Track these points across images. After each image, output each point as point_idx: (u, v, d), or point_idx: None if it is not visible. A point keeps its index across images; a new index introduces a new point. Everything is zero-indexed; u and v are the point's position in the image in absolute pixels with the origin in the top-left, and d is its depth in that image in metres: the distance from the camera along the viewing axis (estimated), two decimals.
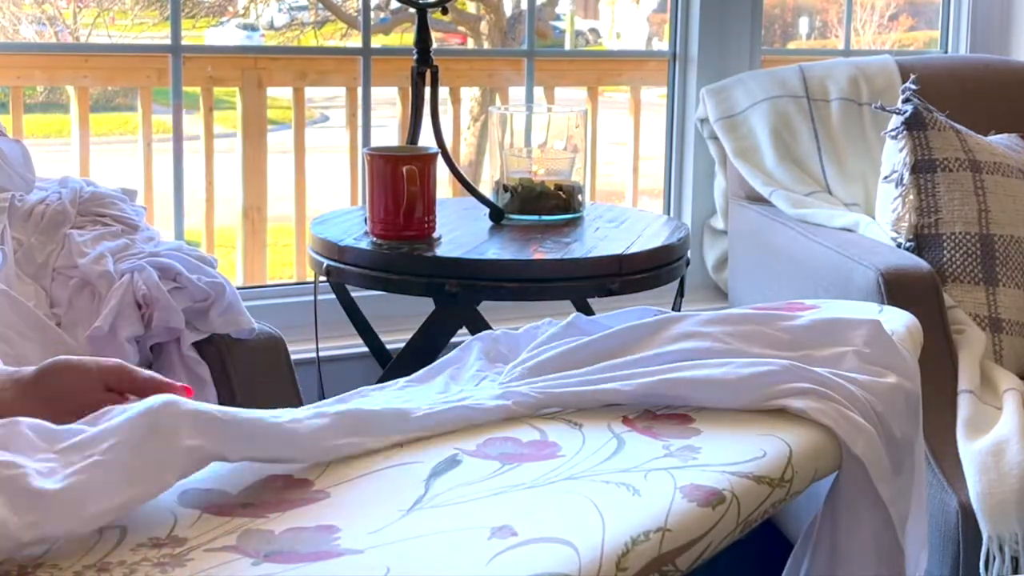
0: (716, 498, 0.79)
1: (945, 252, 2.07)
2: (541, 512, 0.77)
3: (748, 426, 0.91)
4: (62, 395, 1.01)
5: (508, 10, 5.67)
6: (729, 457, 0.84)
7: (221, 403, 1.56)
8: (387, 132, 3.97)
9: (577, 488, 0.80)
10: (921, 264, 1.99)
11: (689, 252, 2.02)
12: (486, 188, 2.12)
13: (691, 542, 0.75)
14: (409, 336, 1.93)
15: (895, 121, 2.16)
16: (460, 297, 1.80)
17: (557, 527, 0.73)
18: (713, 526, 0.77)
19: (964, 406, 1.85)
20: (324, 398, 1.06)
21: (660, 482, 0.80)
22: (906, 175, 2.12)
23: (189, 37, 5.87)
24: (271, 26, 7.00)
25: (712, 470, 0.82)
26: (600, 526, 0.73)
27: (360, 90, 2.52)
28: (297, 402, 1.55)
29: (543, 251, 1.86)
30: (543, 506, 0.78)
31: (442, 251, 1.84)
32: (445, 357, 1.09)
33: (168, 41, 2.34)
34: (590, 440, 0.88)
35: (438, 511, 0.77)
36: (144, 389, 0.99)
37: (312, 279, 2.11)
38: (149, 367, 1.52)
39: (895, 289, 1.90)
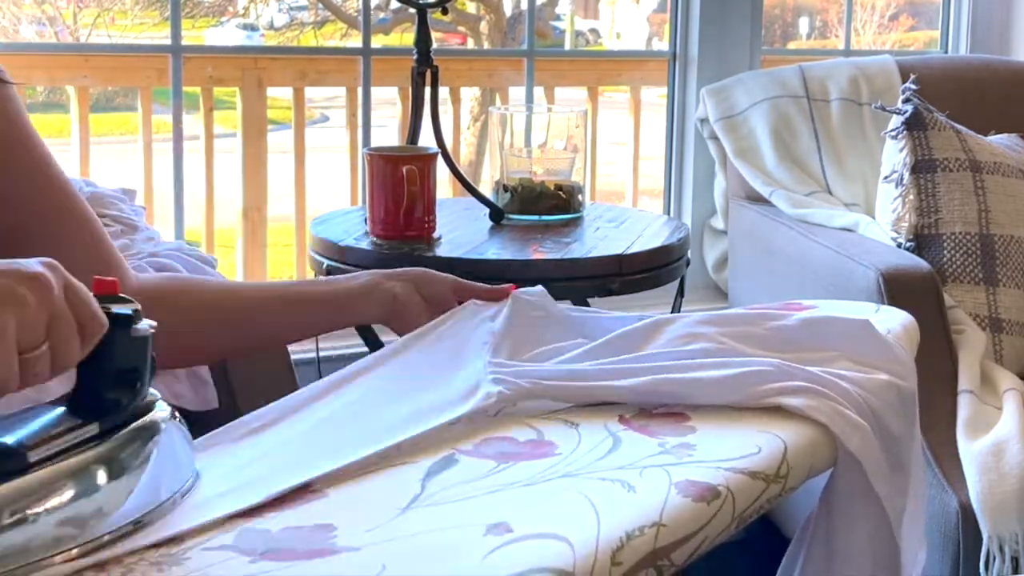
0: (711, 493, 0.79)
1: (945, 252, 2.08)
2: (537, 509, 0.77)
3: (743, 423, 0.91)
4: (434, 299, 1.15)
5: (508, 10, 5.67)
6: (724, 453, 0.85)
7: (221, 404, 1.57)
8: (387, 132, 3.96)
9: (573, 485, 0.80)
10: (921, 264, 1.99)
11: (689, 252, 2.02)
12: (486, 188, 2.12)
13: (686, 537, 0.75)
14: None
15: (895, 121, 2.17)
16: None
17: (552, 523, 0.73)
18: (708, 521, 0.77)
19: (964, 406, 1.85)
20: None
21: (655, 478, 0.80)
22: (906, 175, 2.13)
23: (189, 37, 5.88)
24: (271, 26, 7.01)
25: (707, 466, 0.82)
26: (595, 521, 0.73)
27: (360, 90, 2.52)
28: None
29: (543, 251, 1.86)
30: (539, 503, 0.78)
31: (442, 251, 1.84)
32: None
33: (168, 41, 2.35)
34: (586, 438, 0.88)
35: (434, 509, 0.77)
36: (488, 298, 1.14)
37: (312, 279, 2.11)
38: None
39: (895, 289, 1.90)
